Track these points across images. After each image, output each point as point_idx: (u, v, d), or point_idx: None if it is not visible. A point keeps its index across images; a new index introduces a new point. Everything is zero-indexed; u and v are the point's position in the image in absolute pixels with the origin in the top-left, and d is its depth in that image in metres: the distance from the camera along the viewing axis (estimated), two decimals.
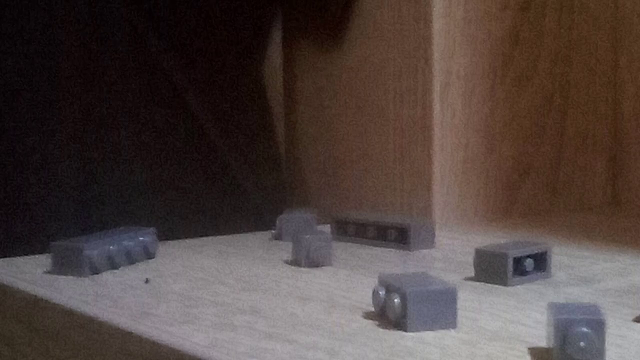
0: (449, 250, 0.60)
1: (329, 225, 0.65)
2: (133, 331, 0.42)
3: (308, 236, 0.55)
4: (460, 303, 0.41)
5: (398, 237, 0.60)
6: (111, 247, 0.55)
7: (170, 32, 0.74)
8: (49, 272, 0.54)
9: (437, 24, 0.68)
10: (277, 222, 0.64)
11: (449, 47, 0.68)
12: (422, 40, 0.68)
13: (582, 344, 0.35)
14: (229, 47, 0.77)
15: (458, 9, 0.69)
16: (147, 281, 0.51)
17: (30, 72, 0.70)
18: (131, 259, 0.57)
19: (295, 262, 0.56)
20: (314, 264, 0.55)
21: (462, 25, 0.69)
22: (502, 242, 0.53)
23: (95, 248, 0.54)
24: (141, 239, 0.58)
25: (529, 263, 0.50)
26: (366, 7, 0.73)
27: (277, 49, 0.85)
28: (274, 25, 0.85)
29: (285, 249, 0.59)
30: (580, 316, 0.35)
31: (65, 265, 0.54)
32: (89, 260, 0.53)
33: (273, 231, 0.65)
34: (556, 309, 0.36)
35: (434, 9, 0.67)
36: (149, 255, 0.58)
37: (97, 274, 0.54)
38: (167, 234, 0.63)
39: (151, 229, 0.60)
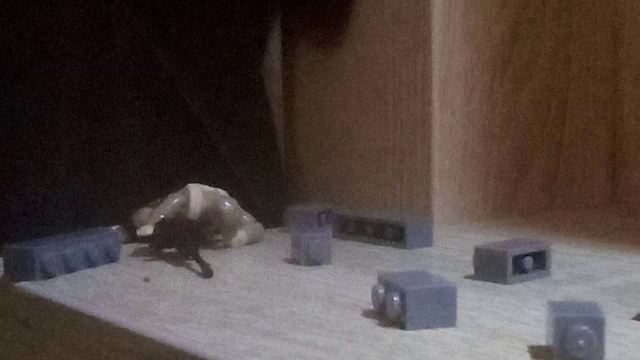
0: (449, 249, 0.60)
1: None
2: (133, 330, 0.42)
3: (307, 234, 0.55)
4: (459, 301, 0.41)
5: (396, 235, 0.60)
6: (67, 249, 0.52)
7: (170, 32, 0.74)
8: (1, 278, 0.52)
9: (437, 23, 0.68)
10: (285, 215, 0.65)
11: (449, 45, 0.68)
12: (421, 38, 0.68)
13: (581, 342, 0.35)
14: (229, 47, 0.77)
15: (458, 8, 0.69)
16: (146, 280, 0.51)
17: (30, 71, 0.70)
18: (90, 262, 0.54)
19: (294, 260, 0.56)
20: (313, 262, 0.55)
21: (462, 24, 0.69)
22: (501, 240, 0.53)
23: (48, 251, 0.51)
24: (102, 241, 0.55)
25: (528, 261, 0.50)
26: (366, 6, 0.73)
27: (277, 49, 0.85)
28: (274, 25, 0.85)
29: (285, 247, 0.59)
30: (579, 314, 0.35)
31: (18, 269, 0.51)
32: (41, 263, 0.51)
33: (274, 229, 0.65)
34: (556, 307, 0.36)
35: (434, 7, 0.67)
36: (111, 258, 0.55)
37: (50, 278, 0.51)
38: None
39: (114, 230, 0.57)
